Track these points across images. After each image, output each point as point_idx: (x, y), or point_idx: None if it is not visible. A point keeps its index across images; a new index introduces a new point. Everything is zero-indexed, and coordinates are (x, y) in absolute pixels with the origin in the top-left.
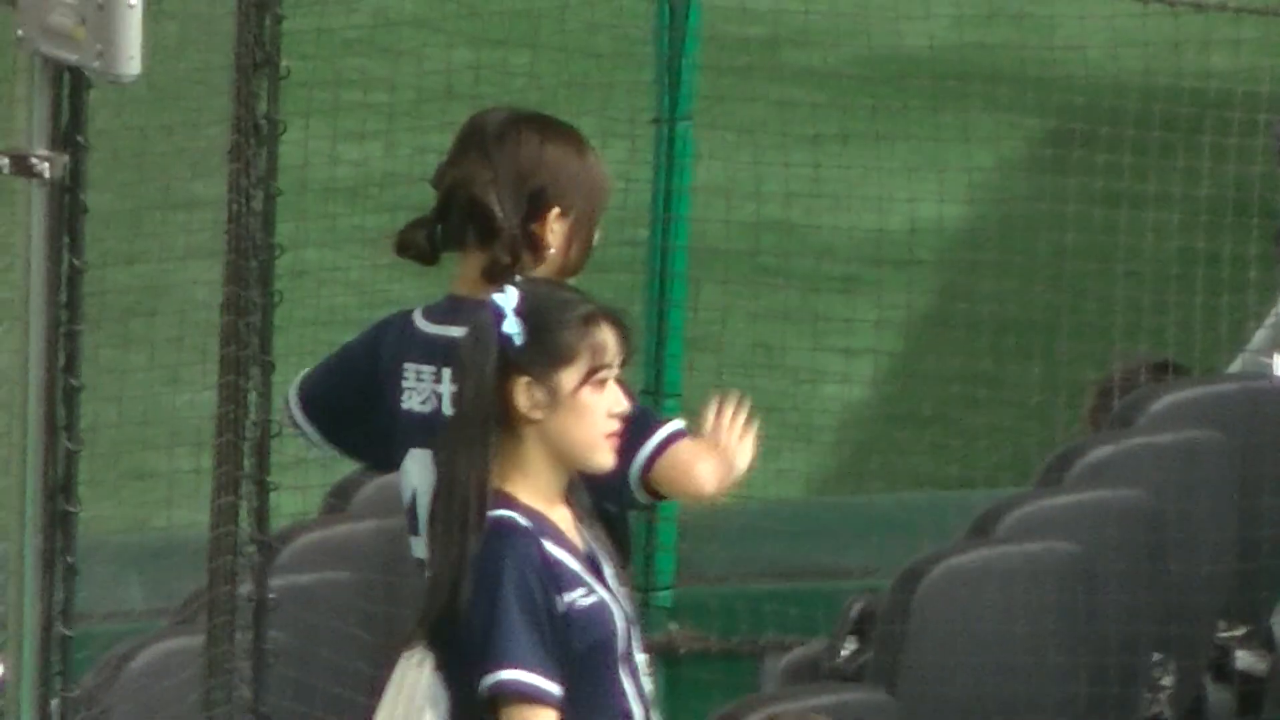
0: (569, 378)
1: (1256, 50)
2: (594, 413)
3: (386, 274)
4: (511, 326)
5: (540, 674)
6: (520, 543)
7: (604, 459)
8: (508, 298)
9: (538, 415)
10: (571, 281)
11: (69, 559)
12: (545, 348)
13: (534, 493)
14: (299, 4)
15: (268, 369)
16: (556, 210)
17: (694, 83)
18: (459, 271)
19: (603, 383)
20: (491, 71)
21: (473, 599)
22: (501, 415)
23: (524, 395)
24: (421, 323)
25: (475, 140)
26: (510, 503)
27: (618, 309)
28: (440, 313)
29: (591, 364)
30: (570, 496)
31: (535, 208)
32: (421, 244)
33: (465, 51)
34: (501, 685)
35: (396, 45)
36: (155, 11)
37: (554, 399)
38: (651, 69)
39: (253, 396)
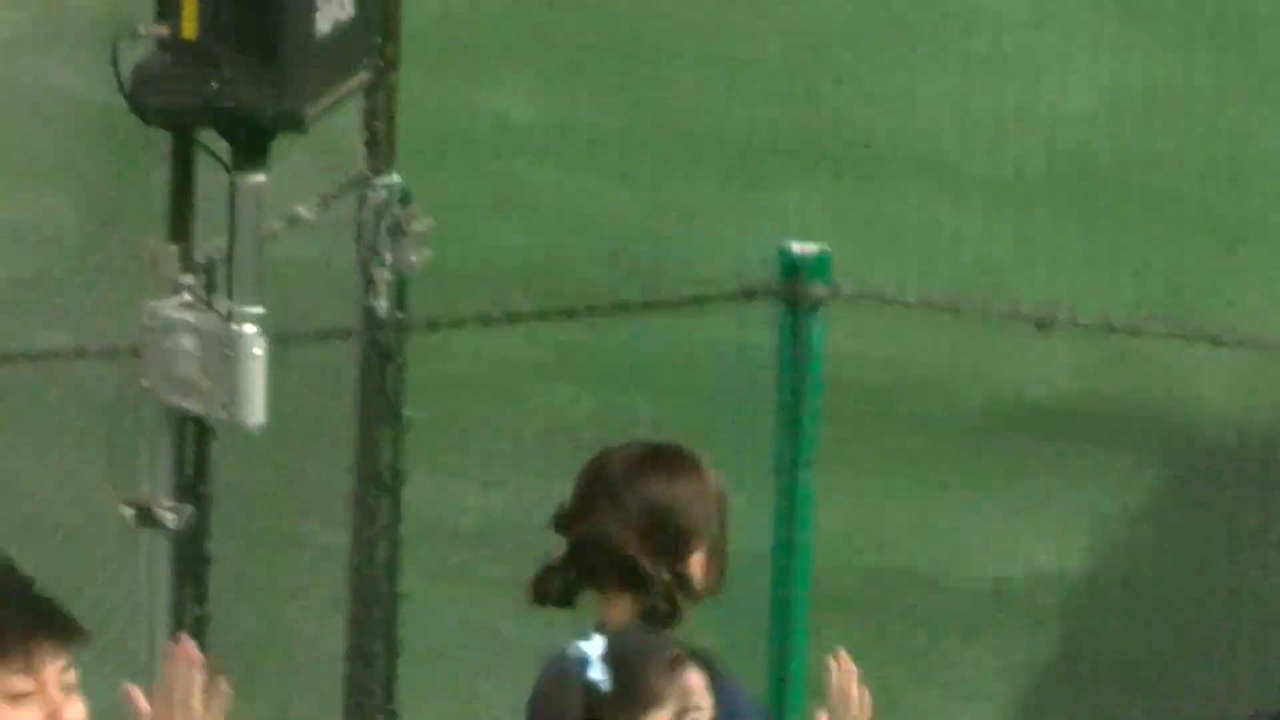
0: None
1: None
2: None
3: (512, 622)
4: (597, 673)
5: None
6: None
7: None
8: (593, 645)
9: None
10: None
11: None
12: (632, 693)
13: None
14: (421, 353)
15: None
16: (696, 544)
17: (815, 431)
18: (605, 610)
19: None
20: (614, 415)
21: None
22: None
23: None
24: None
25: (601, 488)
26: None
27: (705, 651)
28: None
29: (681, 705)
30: None
31: (679, 551)
32: (558, 591)
33: (588, 400)
34: None
35: (519, 392)
36: (279, 361)
37: None
38: (771, 415)
39: None
